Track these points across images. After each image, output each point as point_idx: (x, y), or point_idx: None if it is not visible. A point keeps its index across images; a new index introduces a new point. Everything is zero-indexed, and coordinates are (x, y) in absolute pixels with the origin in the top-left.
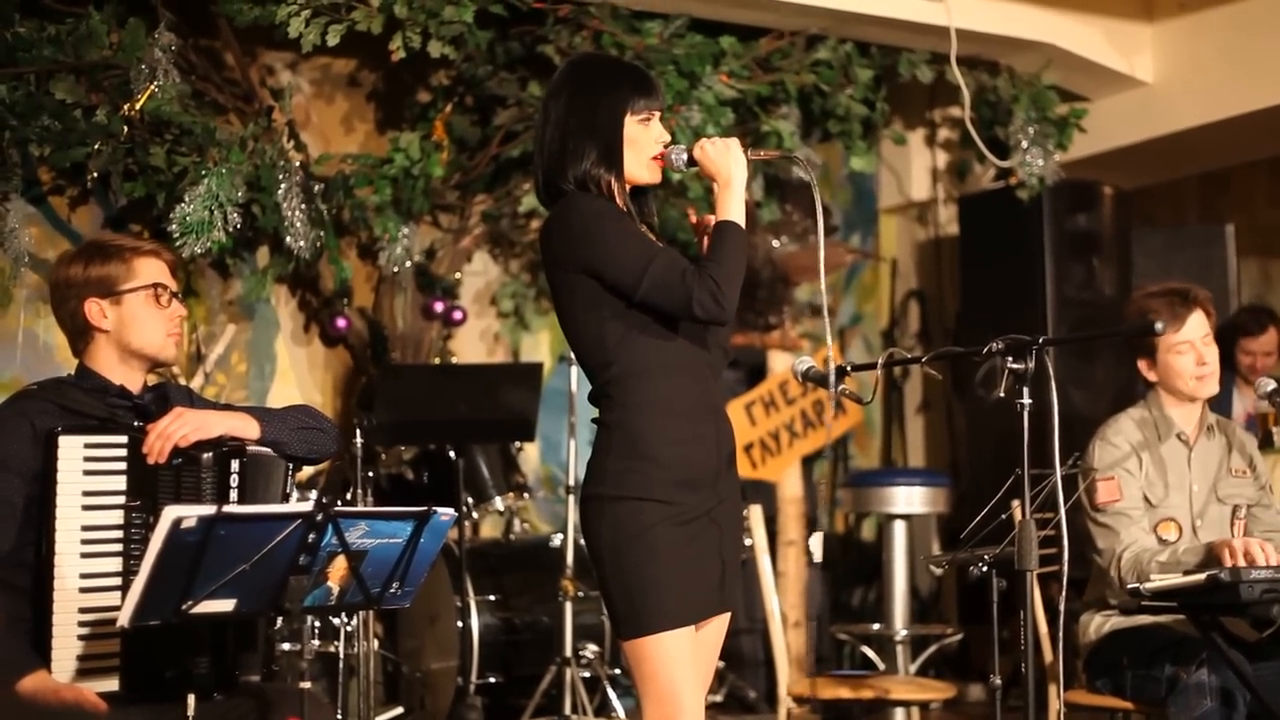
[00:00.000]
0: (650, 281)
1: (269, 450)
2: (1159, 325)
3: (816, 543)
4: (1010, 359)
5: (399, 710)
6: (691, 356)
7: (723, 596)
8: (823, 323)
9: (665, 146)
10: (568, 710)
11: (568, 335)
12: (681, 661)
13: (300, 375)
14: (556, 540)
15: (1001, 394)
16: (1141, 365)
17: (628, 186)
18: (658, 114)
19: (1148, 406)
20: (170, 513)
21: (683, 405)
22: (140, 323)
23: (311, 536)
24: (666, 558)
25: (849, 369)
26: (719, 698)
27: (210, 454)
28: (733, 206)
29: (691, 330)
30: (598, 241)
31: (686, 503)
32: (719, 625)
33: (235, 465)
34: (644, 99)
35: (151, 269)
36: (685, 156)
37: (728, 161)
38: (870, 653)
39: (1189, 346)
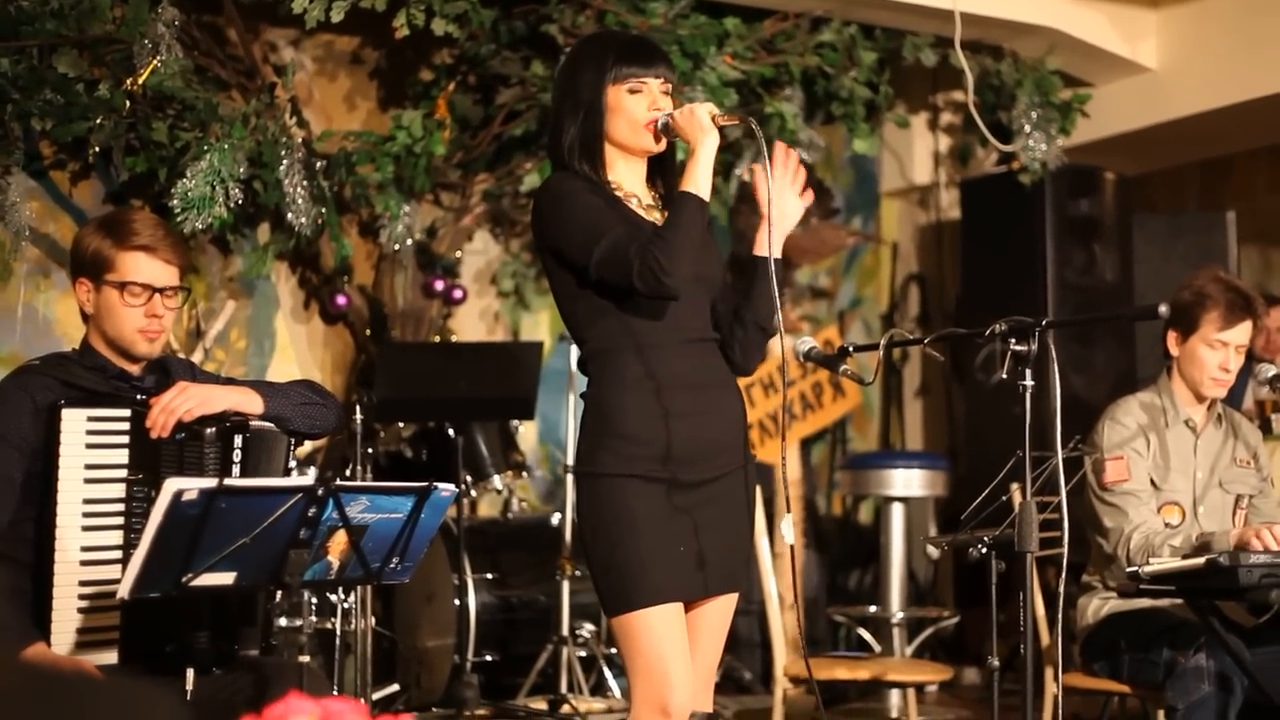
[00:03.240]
0: (599, 257)
1: (272, 425)
2: (1163, 309)
3: (788, 526)
4: (1013, 341)
5: (395, 688)
6: (667, 333)
7: (713, 577)
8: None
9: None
10: (564, 689)
11: (559, 311)
12: (668, 637)
13: (300, 352)
14: (555, 519)
15: (1004, 376)
16: (1171, 337)
17: (635, 157)
18: (654, 81)
19: (1158, 391)
20: (171, 484)
21: (657, 381)
22: (112, 315)
23: (312, 510)
24: (647, 534)
25: (851, 349)
26: (715, 678)
27: (213, 428)
28: (694, 175)
29: (664, 306)
30: (558, 221)
31: (664, 479)
32: (723, 607)
33: (238, 440)
34: (630, 66)
35: (135, 266)
36: (665, 121)
37: (693, 128)
38: (866, 635)
39: (1223, 347)
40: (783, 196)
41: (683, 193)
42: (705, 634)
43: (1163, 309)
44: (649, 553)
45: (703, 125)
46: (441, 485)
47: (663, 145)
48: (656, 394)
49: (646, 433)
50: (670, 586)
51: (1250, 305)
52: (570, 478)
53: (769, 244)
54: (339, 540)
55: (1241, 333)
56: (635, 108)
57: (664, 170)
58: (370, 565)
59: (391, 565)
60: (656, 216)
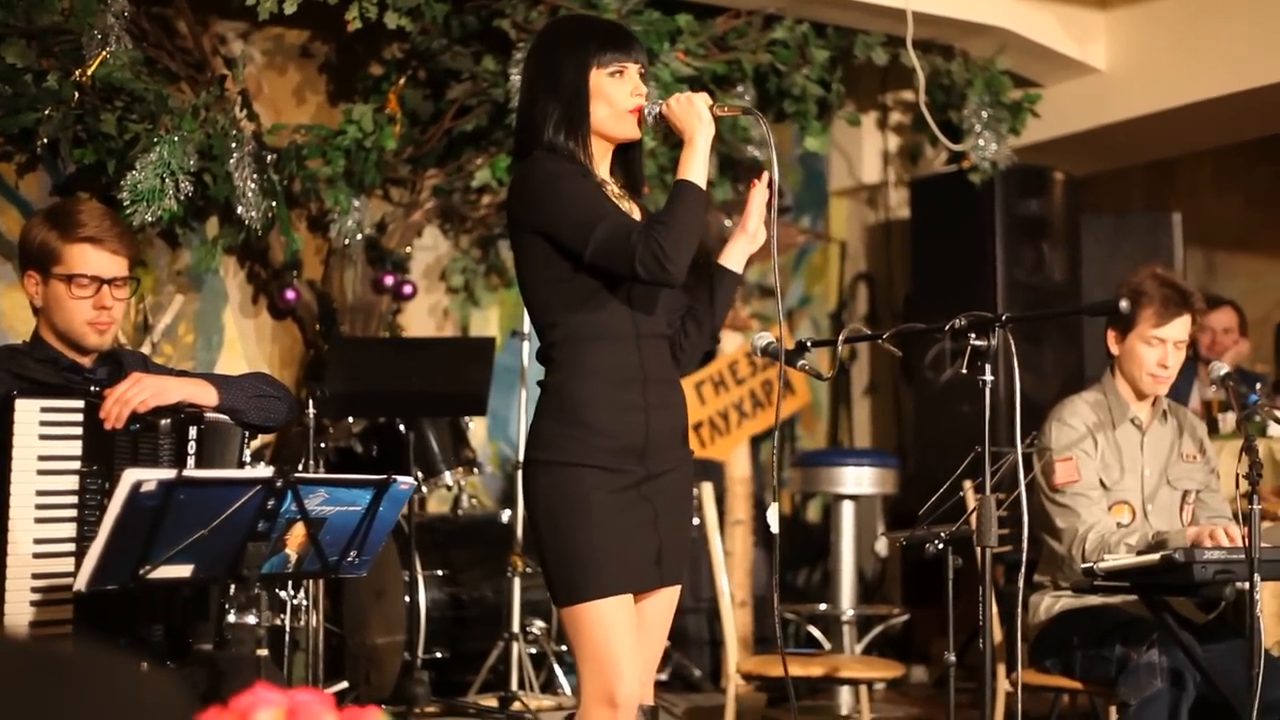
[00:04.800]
0: (597, 242)
1: (226, 418)
2: (1124, 304)
3: (774, 514)
4: (973, 335)
5: (344, 685)
6: (639, 326)
7: (662, 569)
8: (774, 301)
9: (645, 100)
10: (514, 686)
11: (523, 296)
12: (618, 628)
13: (248, 347)
14: (505, 516)
15: (964, 371)
16: (1110, 336)
17: (608, 144)
18: (633, 67)
19: (1103, 390)
20: (130, 475)
21: (623, 374)
22: (61, 307)
23: (271, 502)
24: (602, 525)
25: (809, 344)
26: (664, 676)
27: (168, 420)
28: (692, 165)
29: (641, 299)
30: (550, 202)
31: (622, 470)
32: (667, 599)
33: (193, 432)
34: (612, 51)
35: (82, 258)
36: (657, 111)
37: (691, 118)
38: (816, 632)
39: (1160, 343)
40: (762, 218)
41: (682, 181)
42: (650, 625)
43: (1123, 304)
44: (604, 544)
45: (701, 116)
46: (400, 478)
47: (640, 133)
48: (622, 386)
49: (611, 424)
50: (623, 578)
51: (1186, 300)
52: (520, 474)
53: (774, 258)
54: (297, 533)
55: (1178, 328)
56: (617, 93)
57: (628, 159)
58: (328, 558)
59: (349, 559)
60: (626, 205)
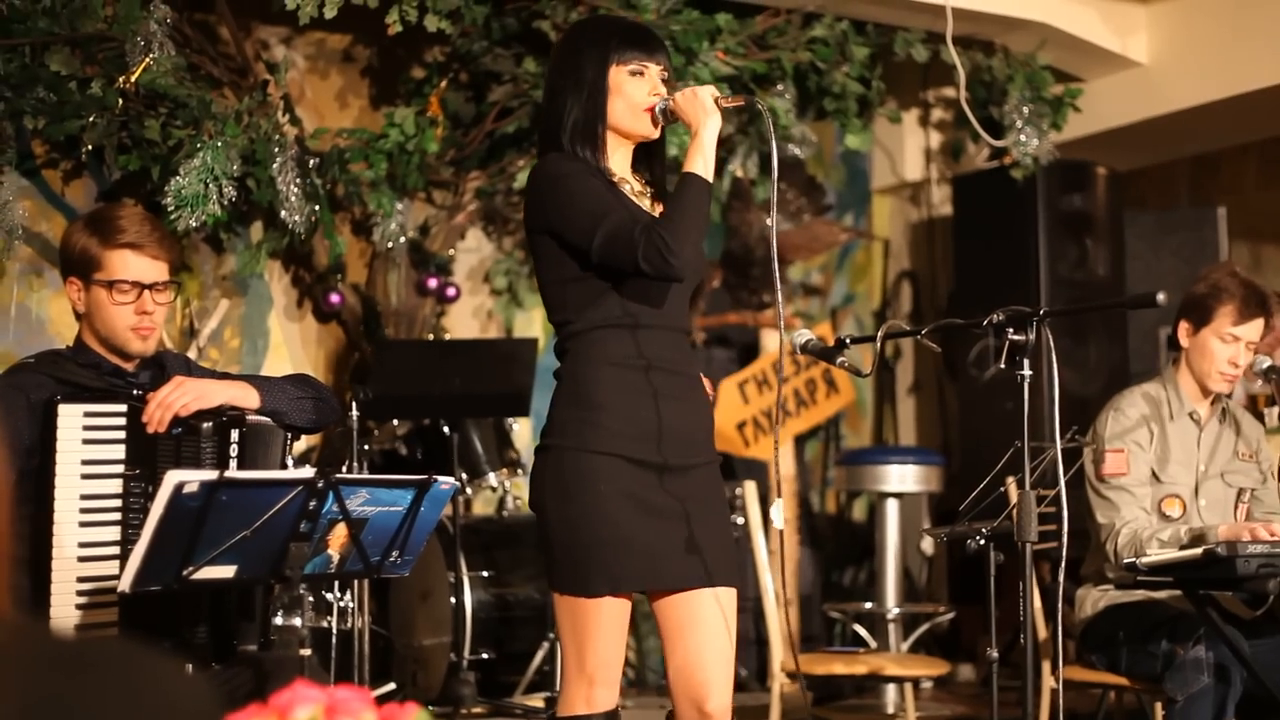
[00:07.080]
0: (602, 238)
1: (268, 420)
2: (1160, 297)
3: (777, 511)
4: (1011, 330)
5: (391, 686)
6: (653, 318)
7: (688, 569)
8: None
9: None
10: (559, 687)
11: (541, 296)
12: (610, 624)
13: (293, 351)
14: None
15: (1001, 366)
16: (1182, 327)
17: (628, 141)
18: (654, 68)
19: (1163, 383)
20: (173, 476)
21: (635, 360)
22: (103, 313)
23: (313, 503)
24: (610, 520)
25: (848, 341)
26: None
27: (210, 423)
28: (698, 158)
29: (656, 295)
30: (558, 202)
31: (638, 460)
32: (722, 603)
33: (235, 435)
34: (632, 50)
35: (123, 264)
36: (665, 106)
37: (695, 110)
38: (862, 631)
39: (1234, 341)
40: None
41: (687, 174)
42: (706, 629)
43: (1160, 297)
44: (609, 539)
45: (705, 107)
46: (441, 478)
47: (658, 131)
48: (632, 370)
49: (623, 405)
50: (630, 576)
51: (1265, 303)
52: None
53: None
54: (339, 533)
55: (1254, 329)
56: (636, 91)
57: (651, 158)
58: (370, 558)
59: (391, 559)
60: (646, 203)
